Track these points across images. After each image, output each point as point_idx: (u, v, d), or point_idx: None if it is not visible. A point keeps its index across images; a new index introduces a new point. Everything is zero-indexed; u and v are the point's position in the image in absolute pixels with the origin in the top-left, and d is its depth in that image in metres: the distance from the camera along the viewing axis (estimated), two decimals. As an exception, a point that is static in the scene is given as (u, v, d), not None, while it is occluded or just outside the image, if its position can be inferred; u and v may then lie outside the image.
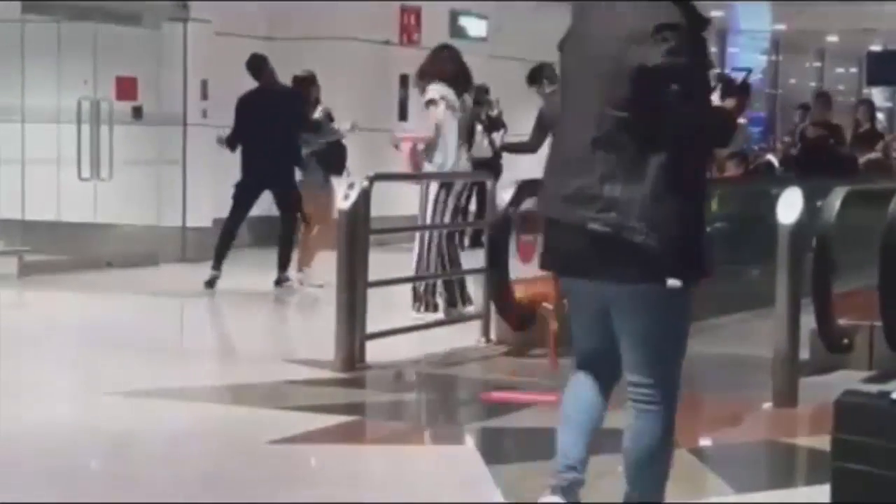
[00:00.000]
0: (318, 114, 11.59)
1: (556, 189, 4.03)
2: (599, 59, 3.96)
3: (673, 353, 4.04)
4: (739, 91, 4.31)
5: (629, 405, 4.05)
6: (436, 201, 9.21)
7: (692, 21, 3.97)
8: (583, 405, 4.19)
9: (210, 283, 11.02)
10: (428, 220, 9.25)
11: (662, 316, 3.97)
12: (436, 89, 9.32)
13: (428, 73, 9.50)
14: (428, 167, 9.36)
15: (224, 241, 11.17)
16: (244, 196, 11.26)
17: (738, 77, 4.54)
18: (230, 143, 11.32)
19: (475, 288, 9.25)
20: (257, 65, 11.35)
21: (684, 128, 3.89)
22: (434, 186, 9.22)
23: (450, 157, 9.30)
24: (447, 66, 9.44)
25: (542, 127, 10.51)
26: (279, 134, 11.02)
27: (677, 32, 3.88)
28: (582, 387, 4.20)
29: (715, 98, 4.14)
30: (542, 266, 4.23)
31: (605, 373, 4.17)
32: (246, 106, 11.26)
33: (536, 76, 12.91)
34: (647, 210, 3.87)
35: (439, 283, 9.37)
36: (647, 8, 3.93)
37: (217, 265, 11.09)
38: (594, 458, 4.16)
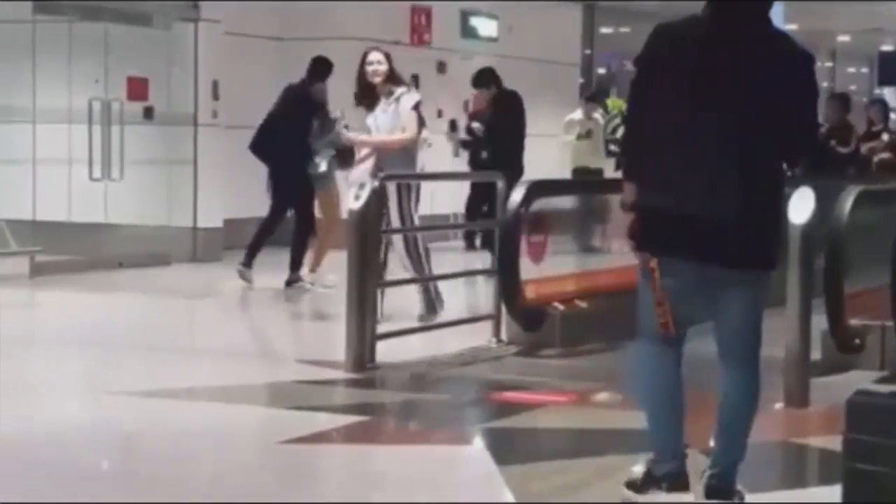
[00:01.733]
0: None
1: (684, 186, 4.42)
2: (737, 74, 4.38)
3: (762, 321, 4.63)
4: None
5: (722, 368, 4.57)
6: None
7: None
8: (672, 384, 4.57)
9: (245, 274, 11.14)
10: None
11: (766, 294, 4.59)
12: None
13: None
14: None
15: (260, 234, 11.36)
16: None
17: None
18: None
19: (486, 288, 9.23)
20: (319, 67, 11.47)
21: (806, 137, 4.58)
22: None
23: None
24: None
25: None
26: (293, 130, 11.06)
27: (812, 59, 4.52)
28: (668, 364, 4.57)
29: None
30: (649, 249, 4.55)
31: (682, 343, 4.60)
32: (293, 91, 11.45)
33: (484, 79, 13.02)
34: (769, 204, 4.45)
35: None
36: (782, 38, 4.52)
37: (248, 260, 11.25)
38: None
